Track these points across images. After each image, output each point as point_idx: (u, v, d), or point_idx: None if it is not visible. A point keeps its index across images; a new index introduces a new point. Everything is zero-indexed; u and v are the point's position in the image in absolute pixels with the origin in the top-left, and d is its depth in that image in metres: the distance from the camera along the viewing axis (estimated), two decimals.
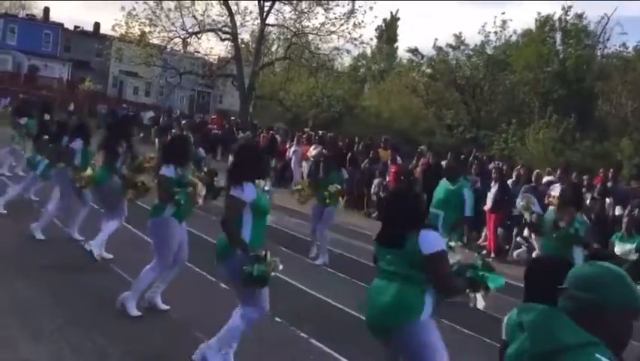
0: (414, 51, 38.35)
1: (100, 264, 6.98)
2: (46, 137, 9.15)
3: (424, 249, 3.59)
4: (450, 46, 34.97)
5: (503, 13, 33.84)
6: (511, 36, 33.05)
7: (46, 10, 54.18)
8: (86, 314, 5.49)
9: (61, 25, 52.07)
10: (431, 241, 3.65)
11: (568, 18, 30.69)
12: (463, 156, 14.38)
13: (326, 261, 8.63)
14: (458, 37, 34.44)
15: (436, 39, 37.11)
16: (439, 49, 34.96)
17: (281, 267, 4.50)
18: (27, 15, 55.45)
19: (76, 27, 54.14)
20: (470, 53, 34.63)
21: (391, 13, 49.99)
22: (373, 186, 14.16)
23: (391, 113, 38.86)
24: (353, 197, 14.34)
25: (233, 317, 4.62)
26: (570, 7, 30.49)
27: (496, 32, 32.45)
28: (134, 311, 5.55)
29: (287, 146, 18.01)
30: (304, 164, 16.60)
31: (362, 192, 14.65)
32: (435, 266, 3.61)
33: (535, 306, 1.98)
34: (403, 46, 52.57)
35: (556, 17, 31.25)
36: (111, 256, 7.36)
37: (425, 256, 3.59)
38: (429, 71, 36.44)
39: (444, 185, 7.95)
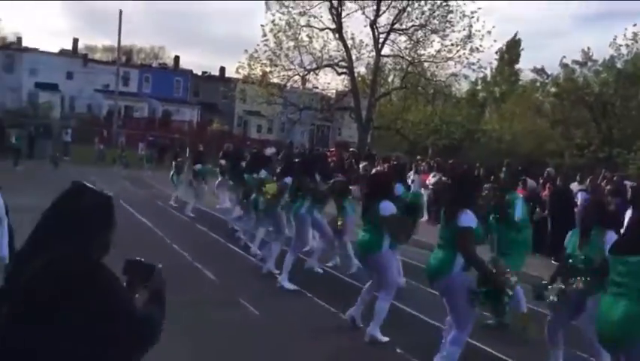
0: (539, 71, 36.92)
1: (227, 298, 7.19)
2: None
3: None
4: (577, 62, 33.30)
5: (635, 25, 31.56)
6: None
7: (177, 58, 58.54)
8: (214, 348, 5.65)
9: (190, 71, 55.86)
10: None
11: None
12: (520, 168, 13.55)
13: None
14: (586, 52, 32.71)
15: (564, 57, 35.46)
16: (564, 66, 33.38)
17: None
18: (159, 64, 60.13)
19: (203, 72, 57.81)
20: (599, 68, 32.71)
21: (514, 35, 48.62)
22: None
23: (514, 136, 37.49)
24: None
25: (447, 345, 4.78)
26: None
27: (627, 45, 30.39)
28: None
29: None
30: (423, 192, 16.34)
31: None
32: None
33: None
34: (525, 67, 50.69)
35: None
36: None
37: None
38: (554, 90, 34.83)
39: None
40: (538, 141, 36.10)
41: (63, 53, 51.96)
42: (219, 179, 13.89)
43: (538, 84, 36.95)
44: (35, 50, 48.64)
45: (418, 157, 22.30)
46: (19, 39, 54.03)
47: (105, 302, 1.94)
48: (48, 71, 45.99)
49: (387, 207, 5.81)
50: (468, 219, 4.65)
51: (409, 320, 6.72)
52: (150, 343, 2.05)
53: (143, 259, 2.21)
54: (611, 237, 4.54)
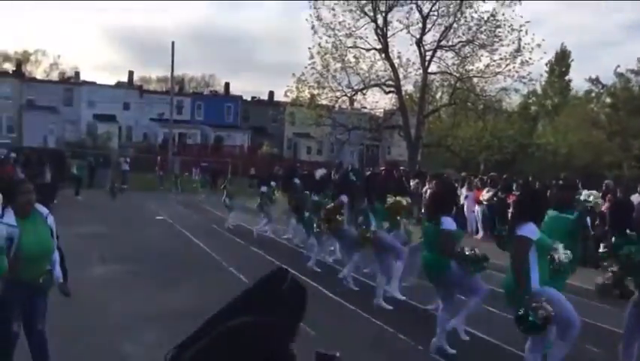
0: (594, 81, 36.04)
1: None
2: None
3: None
4: (632, 71, 32.37)
5: None
6: None
7: (227, 85, 59.76)
8: None
9: (240, 97, 56.93)
10: None
11: None
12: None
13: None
14: None
15: (618, 65, 34.52)
16: (619, 75, 32.47)
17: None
18: (210, 91, 61.56)
19: (253, 97, 58.82)
20: None
21: (562, 44, 47.75)
22: None
23: (570, 149, 36.57)
24: None
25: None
26: None
27: None
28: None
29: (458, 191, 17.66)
30: (477, 208, 16.11)
31: None
32: None
33: None
34: (576, 78, 49.63)
35: None
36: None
37: None
38: (609, 100, 33.90)
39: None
40: (594, 153, 35.13)
41: (119, 85, 53.89)
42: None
43: (593, 94, 35.99)
44: (93, 83, 50.63)
45: (463, 173, 21.98)
46: (77, 73, 56.36)
47: None
48: (106, 103, 47.77)
49: (447, 222, 5.93)
50: (530, 230, 4.69)
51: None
52: None
53: (326, 352, 2.33)
54: None
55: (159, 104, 49.07)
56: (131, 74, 56.01)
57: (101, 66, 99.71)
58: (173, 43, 33.40)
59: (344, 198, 8.89)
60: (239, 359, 2.09)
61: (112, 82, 56.44)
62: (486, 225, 15.36)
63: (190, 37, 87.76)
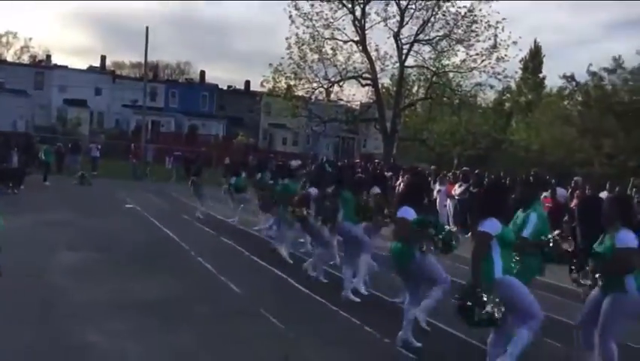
0: (569, 78, 36.38)
1: (251, 309, 7.14)
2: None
3: None
4: (606, 70, 32.78)
5: None
6: None
7: (202, 73, 59.21)
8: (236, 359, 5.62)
9: (216, 86, 56.46)
10: None
11: None
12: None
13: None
14: (617, 59, 32.15)
15: (590, 64, 34.91)
16: (592, 74, 32.88)
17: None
18: (186, 79, 60.90)
19: (229, 86, 58.40)
20: (628, 76, 32.14)
21: (535, 41, 48.29)
22: None
23: (542, 146, 36.99)
24: None
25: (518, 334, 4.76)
26: None
27: None
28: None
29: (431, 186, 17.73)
30: (449, 202, 16.18)
31: None
32: None
33: None
34: (549, 76, 50.28)
35: None
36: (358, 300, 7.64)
37: None
38: (581, 98, 34.32)
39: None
40: (566, 150, 35.57)
41: (91, 69, 52.97)
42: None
43: (566, 92, 36.40)
44: (64, 67, 49.67)
45: (433, 167, 22.05)
46: (49, 57, 55.35)
47: None
48: (77, 88, 46.90)
49: (404, 211, 6.01)
50: (490, 225, 4.74)
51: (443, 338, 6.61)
52: None
53: None
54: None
55: (132, 90, 48.36)
56: (103, 58, 55.26)
57: (73, 50, 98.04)
58: (147, 28, 32.80)
59: (313, 191, 8.81)
60: None
61: (84, 66, 55.47)
62: (457, 219, 15.44)
63: (165, 23, 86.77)
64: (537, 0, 73.62)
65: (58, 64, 50.94)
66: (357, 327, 6.59)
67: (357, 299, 7.65)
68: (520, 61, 45.59)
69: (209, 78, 58.87)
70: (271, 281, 8.83)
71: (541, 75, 48.79)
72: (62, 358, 5.19)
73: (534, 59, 48.27)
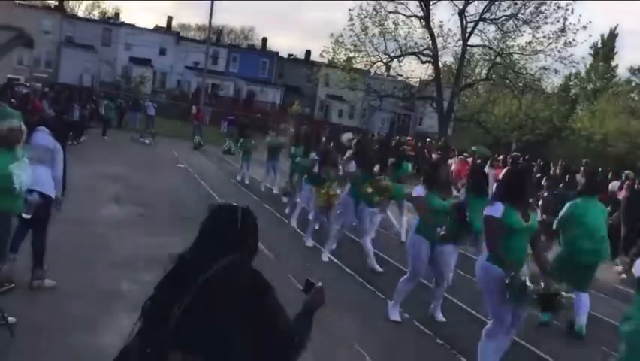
0: (636, 71, 34.92)
1: (279, 274, 7.31)
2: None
3: None
4: None
5: None
6: None
7: (264, 40, 59.45)
8: None
9: (277, 53, 56.58)
10: None
11: None
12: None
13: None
14: None
15: None
16: None
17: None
18: (248, 45, 61.31)
19: (289, 55, 58.41)
20: None
21: (610, 29, 46.11)
22: None
23: (605, 136, 35.68)
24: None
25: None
26: None
27: None
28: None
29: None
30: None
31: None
32: None
33: None
34: (622, 64, 48.06)
35: None
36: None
37: None
38: None
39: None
40: (630, 142, 34.23)
41: (157, 29, 53.97)
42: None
43: (633, 84, 34.91)
44: (132, 26, 50.79)
45: (476, 148, 21.50)
46: (117, 14, 56.61)
47: (268, 304, 2.27)
48: (142, 47, 47.93)
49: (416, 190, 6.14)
50: (493, 209, 4.55)
51: (456, 312, 6.63)
52: (297, 347, 2.30)
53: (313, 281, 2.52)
54: None
55: (195, 52, 49.10)
56: (169, 19, 56.05)
57: (142, 7, 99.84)
58: None
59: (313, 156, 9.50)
60: (234, 299, 2.19)
61: (151, 25, 56.56)
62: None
63: None
64: None
65: (126, 22, 52.07)
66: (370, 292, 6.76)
67: (380, 269, 7.96)
68: (591, 47, 43.86)
69: (271, 45, 59.20)
70: (299, 248, 9.01)
71: (613, 63, 46.76)
72: (94, 301, 5.49)
73: (607, 46, 46.19)
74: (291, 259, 8.09)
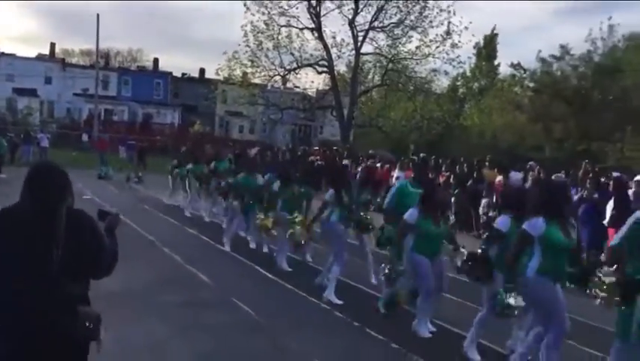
0: (516, 66, 37.31)
1: (222, 299, 7.21)
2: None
3: None
4: (554, 57, 33.73)
5: (610, 19, 31.98)
6: (619, 41, 31.31)
7: (156, 60, 58.01)
8: (209, 349, 5.70)
9: (170, 73, 55.44)
10: None
11: None
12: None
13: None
14: (564, 47, 33.11)
15: (540, 51, 35.90)
16: (542, 60, 33.80)
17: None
18: (138, 67, 59.64)
19: (183, 74, 57.41)
20: (576, 63, 33.16)
21: (492, 30, 49.04)
22: (482, 207, 13.79)
23: (494, 131, 37.81)
24: (461, 218, 14.16)
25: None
26: None
27: (603, 39, 30.85)
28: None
29: (391, 173, 18.02)
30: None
31: (469, 213, 14.35)
32: None
33: None
34: (504, 62, 51.23)
35: None
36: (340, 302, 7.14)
37: None
38: (532, 85, 35.22)
39: None
40: (518, 135, 36.42)
41: (40, 57, 51.34)
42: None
43: (516, 79, 37.33)
44: (13, 55, 48.01)
45: (368, 153, 22.32)
46: None
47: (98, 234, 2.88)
48: (26, 77, 45.40)
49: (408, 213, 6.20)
50: (531, 225, 4.78)
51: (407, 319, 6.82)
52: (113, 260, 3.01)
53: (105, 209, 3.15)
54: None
55: (83, 78, 47.08)
56: (52, 45, 53.50)
57: (21, 37, 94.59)
58: (98, 15, 32.17)
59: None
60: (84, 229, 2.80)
61: (32, 54, 53.67)
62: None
63: (115, 8, 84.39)
64: None
65: (6, 52, 49.13)
66: (327, 311, 6.78)
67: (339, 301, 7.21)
68: (474, 47, 46.37)
69: (163, 66, 57.76)
70: (240, 270, 8.92)
71: (495, 62, 49.64)
72: None
73: (488, 46, 49.00)
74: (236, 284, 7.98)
